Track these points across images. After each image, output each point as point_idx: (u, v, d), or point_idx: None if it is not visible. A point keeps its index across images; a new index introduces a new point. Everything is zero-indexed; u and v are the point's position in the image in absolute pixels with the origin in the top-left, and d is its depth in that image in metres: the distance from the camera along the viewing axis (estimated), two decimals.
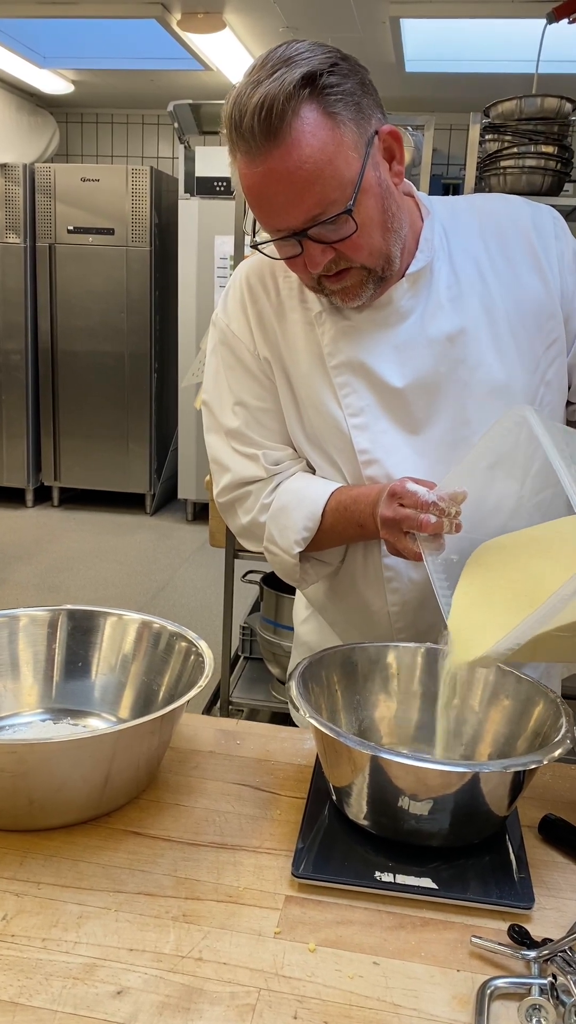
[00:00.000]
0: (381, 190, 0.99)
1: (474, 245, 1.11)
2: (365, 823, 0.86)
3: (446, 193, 5.15)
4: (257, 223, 1.02)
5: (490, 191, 2.65)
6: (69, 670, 1.09)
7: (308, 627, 1.34)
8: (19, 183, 5.12)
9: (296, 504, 1.13)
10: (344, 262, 1.00)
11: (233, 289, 1.19)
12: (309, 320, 1.12)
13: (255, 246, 1.03)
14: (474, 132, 2.60)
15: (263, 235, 1.02)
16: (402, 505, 0.97)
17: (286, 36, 4.11)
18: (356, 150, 0.95)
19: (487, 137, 2.61)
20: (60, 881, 0.81)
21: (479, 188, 2.67)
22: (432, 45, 4.13)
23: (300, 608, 1.37)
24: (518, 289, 1.09)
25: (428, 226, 1.09)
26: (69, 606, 1.12)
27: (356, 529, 1.09)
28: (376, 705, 1.02)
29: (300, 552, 1.13)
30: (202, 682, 0.94)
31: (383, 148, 1.00)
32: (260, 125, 0.91)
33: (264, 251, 1.04)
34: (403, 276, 1.07)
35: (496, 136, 2.57)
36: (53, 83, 5.17)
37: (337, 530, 1.11)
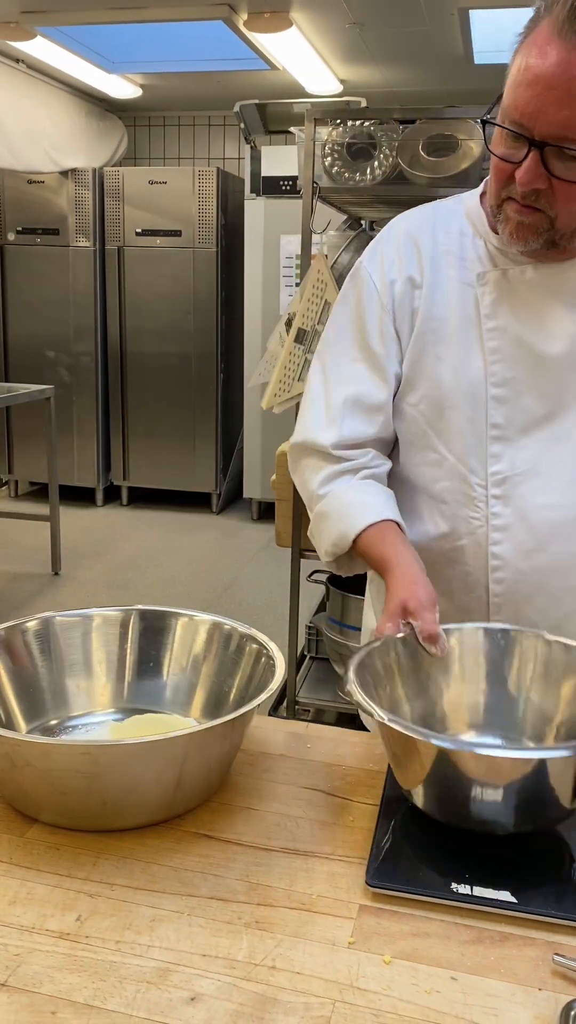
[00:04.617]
0: None
1: None
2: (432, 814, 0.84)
3: None
4: (500, 107, 0.97)
5: None
6: (141, 670, 1.09)
7: None
8: (88, 187, 5.21)
9: (336, 518, 1.11)
10: (544, 203, 0.97)
11: (387, 240, 1.16)
12: (466, 280, 1.10)
13: (485, 122, 0.99)
14: None
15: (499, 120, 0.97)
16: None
17: (352, 32, 4.08)
18: None
19: None
20: (133, 883, 0.81)
21: None
22: (501, 35, 4.04)
23: (370, 618, 1.34)
24: None
25: None
26: (141, 606, 1.12)
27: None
28: (441, 691, 0.99)
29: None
30: (273, 685, 0.93)
31: None
32: None
33: (493, 129, 0.98)
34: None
35: None
36: (121, 88, 5.24)
37: (364, 559, 1.11)
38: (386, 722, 0.81)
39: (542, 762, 0.78)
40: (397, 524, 1.08)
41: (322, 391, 1.17)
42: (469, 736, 0.97)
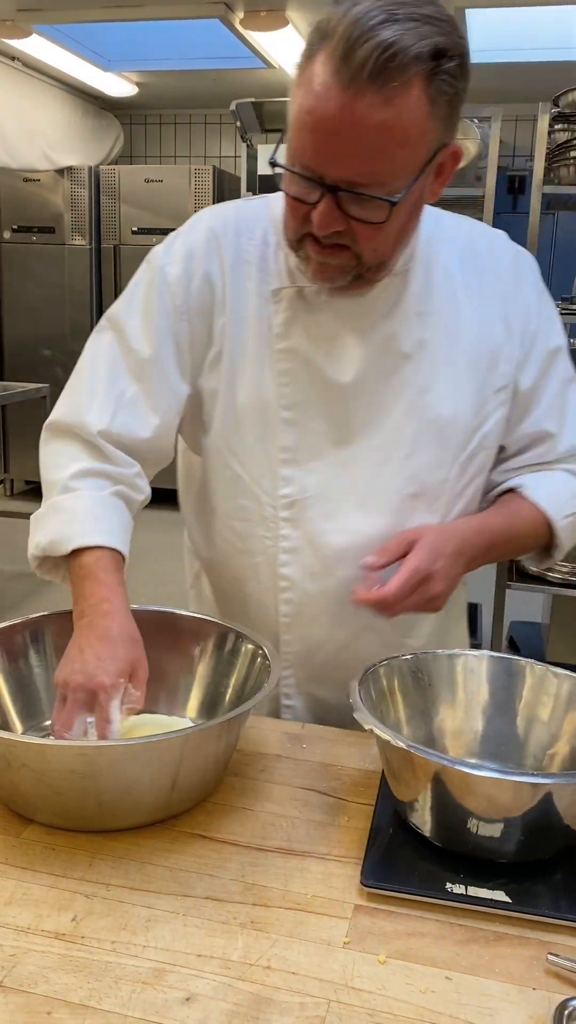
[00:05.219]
0: (418, 200, 0.94)
1: (453, 265, 1.06)
2: (433, 839, 0.84)
3: (511, 186, 5.06)
4: (285, 145, 0.90)
5: (559, 182, 2.60)
6: None
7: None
8: (84, 185, 5.20)
9: (69, 519, 1.01)
10: (348, 240, 0.92)
11: (188, 234, 1.09)
12: (264, 294, 1.05)
13: (274, 164, 0.91)
14: (543, 122, 2.55)
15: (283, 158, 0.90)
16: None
17: None
18: (428, 150, 0.88)
19: (556, 127, 2.55)
20: (128, 883, 0.81)
21: (548, 179, 2.61)
22: (497, 34, 4.05)
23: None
24: (483, 325, 1.05)
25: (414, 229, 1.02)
26: (135, 606, 1.12)
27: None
28: (441, 715, 1.00)
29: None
30: (269, 686, 0.93)
31: (440, 162, 0.92)
32: (375, 63, 0.80)
33: (279, 173, 0.92)
34: (379, 280, 1.01)
35: (566, 126, 2.52)
36: (117, 86, 5.23)
37: (74, 576, 1.00)
38: (410, 750, 0.80)
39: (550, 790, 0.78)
40: (123, 561, 1.02)
41: (106, 371, 1.07)
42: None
